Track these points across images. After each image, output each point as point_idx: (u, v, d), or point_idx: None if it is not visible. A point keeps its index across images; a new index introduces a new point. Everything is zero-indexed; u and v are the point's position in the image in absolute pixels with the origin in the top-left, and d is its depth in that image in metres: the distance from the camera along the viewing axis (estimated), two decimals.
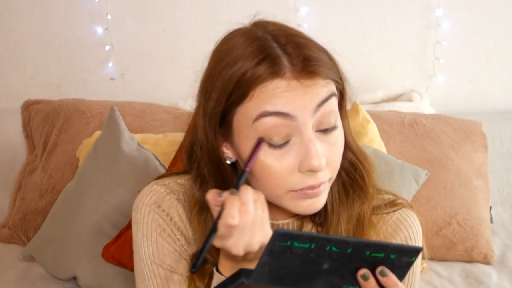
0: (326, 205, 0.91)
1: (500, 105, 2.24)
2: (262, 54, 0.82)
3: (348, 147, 0.91)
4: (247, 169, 0.80)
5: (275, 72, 0.81)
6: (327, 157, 0.84)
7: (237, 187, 0.79)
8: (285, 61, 0.82)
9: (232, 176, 0.90)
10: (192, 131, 0.95)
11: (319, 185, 0.85)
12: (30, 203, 1.78)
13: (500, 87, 2.25)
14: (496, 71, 2.24)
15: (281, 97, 0.81)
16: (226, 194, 0.78)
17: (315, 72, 0.82)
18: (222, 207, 0.78)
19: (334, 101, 0.85)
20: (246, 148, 0.84)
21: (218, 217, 0.77)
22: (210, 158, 0.90)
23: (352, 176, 0.94)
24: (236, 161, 0.90)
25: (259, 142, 0.81)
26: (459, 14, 2.18)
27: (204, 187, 0.92)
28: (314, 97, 0.82)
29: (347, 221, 0.93)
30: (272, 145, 0.83)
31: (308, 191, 0.85)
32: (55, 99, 1.94)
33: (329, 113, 0.84)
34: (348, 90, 0.90)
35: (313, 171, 0.83)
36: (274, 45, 0.83)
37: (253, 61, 0.82)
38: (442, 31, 2.18)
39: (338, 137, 0.86)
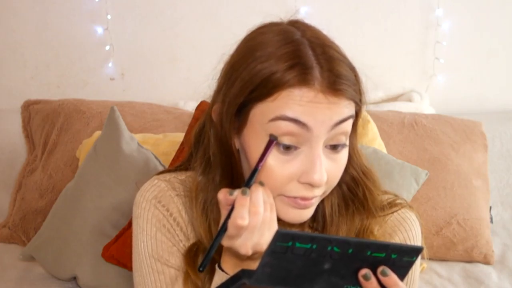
0: (325, 216, 0.91)
1: (500, 105, 2.25)
2: (296, 59, 0.81)
3: (351, 163, 0.91)
4: (259, 167, 0.80)
5: (305, 80, 0.80)
6: (329, 173, 0.84)
7: (248, 185, 0.79)
8: (316, 72, 0.80)
9: (239, 162, 0.89)
10: (205, 113, 0.95)
11: (311, 198, 0.85)
12: (30, 203, 1.77)
13: (500, 87, 2.26)
14: (496, 71, 2.24)
15: (304, 106, 0.80)
16: (236, 193, 0.78)
17: (341, 91, 0.81)
18: (233, 207, 0.77)
19: (350, 123, 0.85)
20: (251, 142, 0.84)
21: (228, 216, 0.77)
22: (219, 143, 0.89)
23: (354, 191, 0.94)
24: (238, 149, 0.89)
25: (271, 140, 0.80)
26: (459, 14, 2.18)
27: (208, 171, 0.93)
28: (335, 115, 0.81)
29: (346, 235, 0.92)
30: (279, 149, 0.82)
31: (300, 201, 0.85)
32: (55, 99, 1.93)
33: (342, 132, 0.84)
34: (363, 112, 0.89)
35: (312, 185, 0.83)
36: (310, 52, 0.82)
37: (285, 64, 0.80)
38: (442, 31, 2.18)
39: (343, 156, 0.86)
